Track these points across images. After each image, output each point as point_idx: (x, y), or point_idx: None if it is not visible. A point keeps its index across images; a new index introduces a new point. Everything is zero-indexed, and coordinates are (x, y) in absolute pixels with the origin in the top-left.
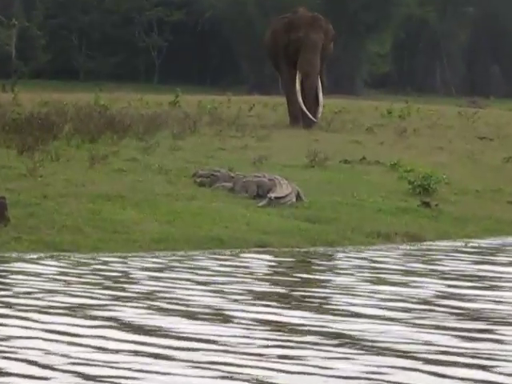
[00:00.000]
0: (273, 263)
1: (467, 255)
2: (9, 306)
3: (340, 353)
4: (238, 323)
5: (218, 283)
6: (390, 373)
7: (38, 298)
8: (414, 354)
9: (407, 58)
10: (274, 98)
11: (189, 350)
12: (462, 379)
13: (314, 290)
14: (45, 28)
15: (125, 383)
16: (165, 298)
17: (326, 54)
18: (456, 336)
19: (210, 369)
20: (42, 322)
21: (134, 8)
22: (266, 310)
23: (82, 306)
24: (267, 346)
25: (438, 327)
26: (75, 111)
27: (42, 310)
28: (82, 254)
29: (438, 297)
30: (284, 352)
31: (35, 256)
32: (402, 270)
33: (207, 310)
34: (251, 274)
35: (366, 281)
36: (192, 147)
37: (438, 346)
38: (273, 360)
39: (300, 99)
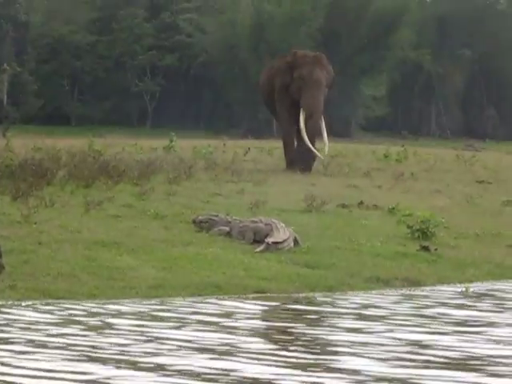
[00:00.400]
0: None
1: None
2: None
3: None
4: None
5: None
6: None
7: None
8: None
9: (402, 102)
10: (269, 142)
11: None
12: None
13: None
14: (36, 73)
15: None
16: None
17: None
18: None
19: None
20: None
21: (126, 53)
22: None
23: None
24: None
25: None
26: (69, 157)
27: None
28: (78, 301)
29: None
30: None
31: (30, 303)
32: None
33: None
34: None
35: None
36: (188, 192)
37: None
38: None
39: (305, 137)
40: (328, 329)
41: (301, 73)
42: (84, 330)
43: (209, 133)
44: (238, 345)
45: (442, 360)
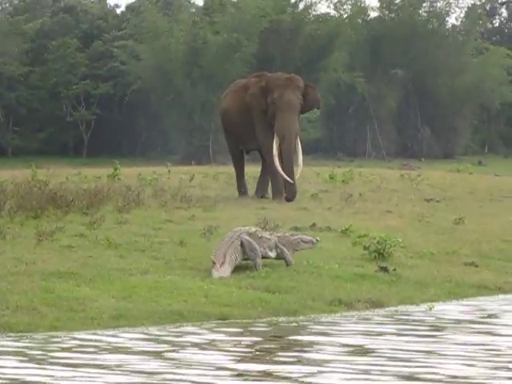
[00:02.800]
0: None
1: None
2: None
3: None
4: None
5: None
6: None
7: None
8: None
9: (337, 124)
10: (212, 168)
11: None
12: None
13: None
14: None
15: None
16: None
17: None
18: None
19: None
20: None
21: (60, 83)
22: None
23: None
24: None
25: None
26: (14, 188)
27: None
28: (40, 334)
29: None
30: None
31: None
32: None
33: None
34: None
35: None
36: (139, 220)
37: None
38: None
39: (277, 163)
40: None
41: (272, 97)
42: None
43: (144, 160)
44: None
45: None
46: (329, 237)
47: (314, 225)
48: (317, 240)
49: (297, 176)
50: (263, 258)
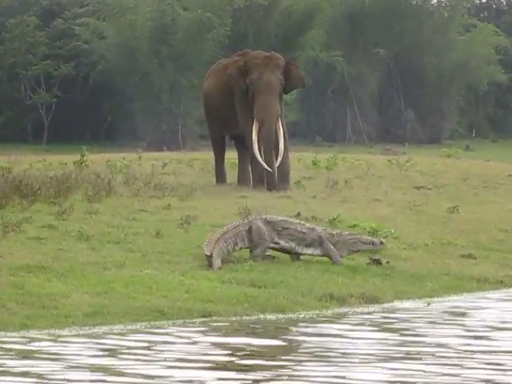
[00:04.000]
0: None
1: None
2: None
3: None
4: None
5: None
6: None
7: None
8: None
9: (315, 106)
10: (186, 154)
11: None
12: None
13: None
14: None
15: None
16: None
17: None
18: None
19: None
20: None
21: (18, 63)
22: None
23: None
24: None
25: None
26: None
27: None
28: (10, 332)
29: None
30: None
31: None
32: None
33: None
34: None
35: None
36: (111, 210)
37: None
38: None
39: (256, 150)
40: None
41: (251, 78)
42: None
43: (108, 146)
44: None
45: None
46: None
47: (298, 214)
48: (381, 242)
49: (277, 164)
50: (289, 252)
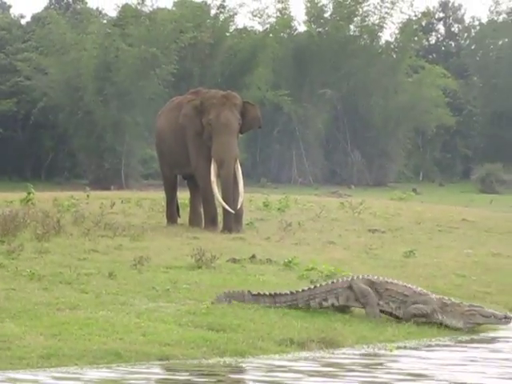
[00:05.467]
0: None
1: None
2: None
3: None
4: None
5: None
6: None
7: None
8: None
9: (261, 147)
10: (134, 193)
11: None
12: None
13: None
14: None
15: None
16: None
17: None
18: None
19: None
20: None
21: None
22: None
23: None
24: None
25: None
26: None
27: None
28: None
29: None
30: None
31: None
32: None
33: None
34: None
35: None
36: (61, 249)
37: None
38: None
39: (216, 191)
40: None
41: (208, 118)
42: None
43: (49, 184)
44: None
45: None
46: (271, 270)
47: (253, 256)
48: (506, 317)
49: (239, 205)
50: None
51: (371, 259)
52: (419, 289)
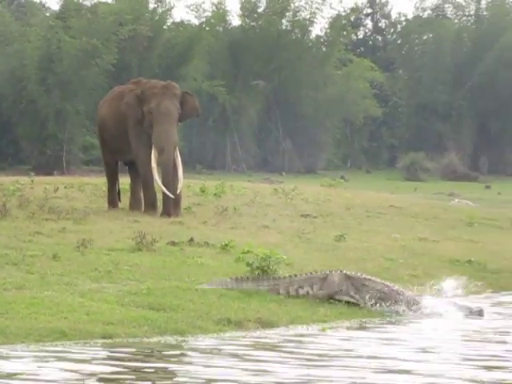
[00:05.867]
0: None
1: None
2: None
3: None
4: None
5: None
6: None
7: None
8: None
9: (196, 135)
10: (76, 178)
11: None
12: None
13: None
14: None
15: None
16: None
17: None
18: None
19: None
20: None
21: None
22: None
23: None
24: None
25: None
26: None
27: None
28: None
29: None
30: None
31: None
32: None
33: None
34: None
35: None
36: (6, 232)
37: None
38: None
39: (157, 177)
40: None
41: (149, 106)
42: None
43: None
44: None
45: None
46: (208, 253)
47: (191, 240)
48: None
49: (178, 190)
50: None
51: (304, 243)
52: (396, 287)
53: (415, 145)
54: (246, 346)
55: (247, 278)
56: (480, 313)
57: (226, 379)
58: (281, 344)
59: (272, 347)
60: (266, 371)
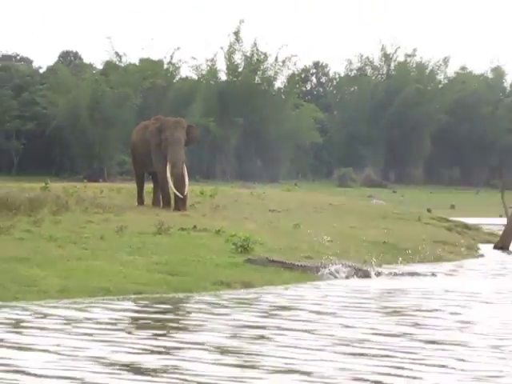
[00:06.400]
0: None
1: None
2: None
3: None
4: None
5: None
6: None
7: None
8: None
9: (195, 155)
10: (115, 184)
11: None
12: None
13: None
14: None
15: None
16: None
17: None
18: None
19: None
20: None
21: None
22: None
23: None
24: None
25: None
26: None
27: None
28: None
29: None
30: None
31: None
32: None
33: None
34: None
35: None
36: (68, 220)
37: None
38: None
39: (171, 183)
40: None
41: (165, 135)
42: None
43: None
44: None
45: None
46: (207, 235)
47: (195, 227)
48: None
49: (185, 193)
50: None
51: (272, 229)
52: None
53: (345, 162)
54: (233, 299)
55: (273, 260)
56: (366, 273)
57: (219, 322)
58: (257, 298)
59: (250, 300)
60: (245, 320)
